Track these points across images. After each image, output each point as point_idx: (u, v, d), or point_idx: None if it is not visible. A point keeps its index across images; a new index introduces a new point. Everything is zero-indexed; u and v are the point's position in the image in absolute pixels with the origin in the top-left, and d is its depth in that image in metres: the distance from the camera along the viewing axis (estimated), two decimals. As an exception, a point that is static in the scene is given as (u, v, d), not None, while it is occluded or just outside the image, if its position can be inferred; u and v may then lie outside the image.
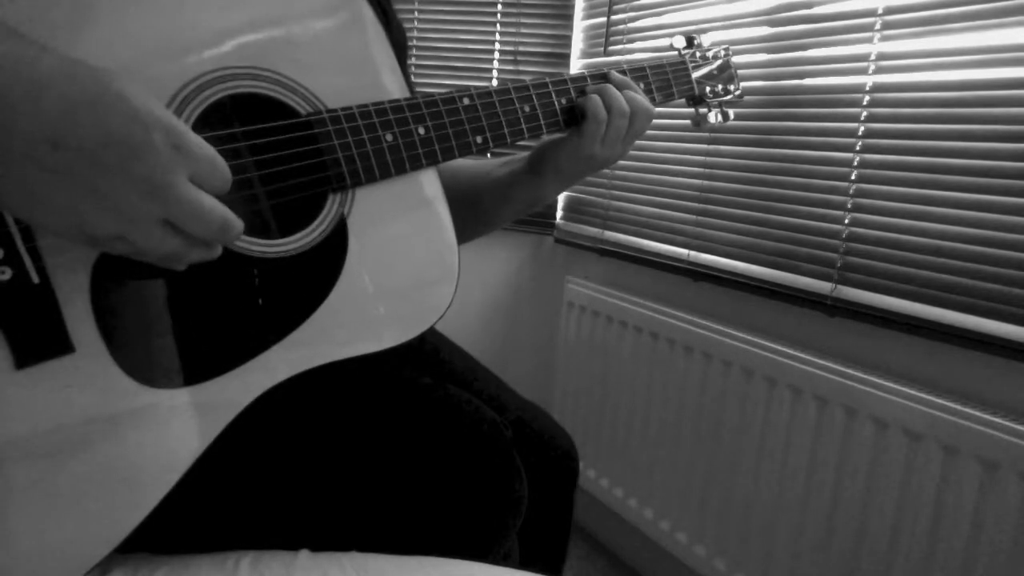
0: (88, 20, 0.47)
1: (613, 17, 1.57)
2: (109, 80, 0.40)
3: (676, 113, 1.43)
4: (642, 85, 0.80)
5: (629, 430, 1.49)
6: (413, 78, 1.32)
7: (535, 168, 0.79)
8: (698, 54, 0.90)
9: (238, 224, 0.46)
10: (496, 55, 1.73)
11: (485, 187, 0.83)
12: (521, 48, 1.72)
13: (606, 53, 1.59)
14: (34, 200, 0.39)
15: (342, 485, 0.62)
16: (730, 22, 1.31)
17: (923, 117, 1.03)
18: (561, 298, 1.67)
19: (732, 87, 0.94)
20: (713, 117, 0.92)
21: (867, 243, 1.08)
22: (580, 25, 1.69)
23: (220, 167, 0.44)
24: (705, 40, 0.92)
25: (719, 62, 0.92)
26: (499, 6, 1.71)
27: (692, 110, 0.94)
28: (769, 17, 1.24)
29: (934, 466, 0.96)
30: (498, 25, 1.72)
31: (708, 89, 0.91)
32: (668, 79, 0.85)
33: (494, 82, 1.75)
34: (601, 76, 0.76)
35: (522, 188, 0.81)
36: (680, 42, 0.89)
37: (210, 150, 0.44)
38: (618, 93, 0.73)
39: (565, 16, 1.69)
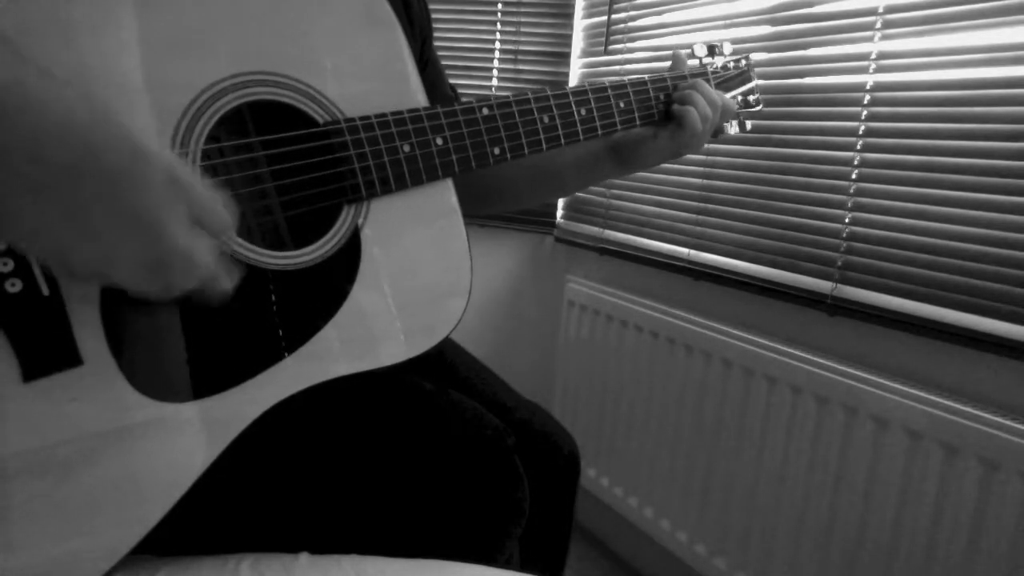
0: (107, 21, 0.46)
1: (613, 16, 1.57)
2: (109, 111, 0.38)
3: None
4: (662, 96, 0.80)
5: (629, 429, 1.49)
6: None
7: (621, 158, 0.83)
8: (719, 63, 0.88)
9: (227, 284, 0.44)
10: (496, 54, 1.73)
11: (567, 163, 0.86)
12: (521, 47, 1.72)
13: (606, 52, 1.59)
14: (14, 221, 0.37)
15: (343, 489, 0.62)
16: (730, 21, 1.31)
17: (924, 116, 1.03)
18: (561, 297, 1.67)
19: (752, 98, 0.92)
20: (731, 128, 0.90)
21: (868, 242, 1.08)
22: (580, 24, 1.68)
23: (219, 212, 0.42)
24: (727, 48, 0.90)
25: (740, 72, 0.90)
26: (499, 5, 1.71)
27: None
28: (770, 16, 1.24)
29: (934, 466, 0.96)
30: (498, 24, 1.72)
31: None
32: None
33: (494, 81, 1.75)
34: (621, 85, 0.77)
35: (604, 170, 0.86)
36: (702, 50, 0.88)
37: (210, 191, 0.42)
38: (703, 103, 0.78)
39: (565, 15, 1.69)
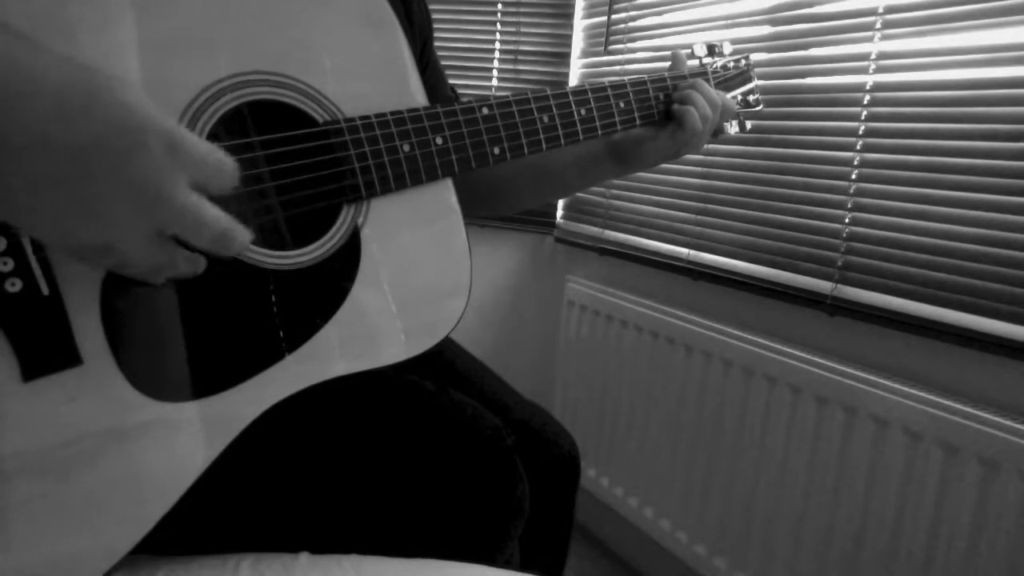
0: (106, 21, 0.46)
1: (613, 16, 1.57)
2: (106, 82, 0.38)
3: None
4: (662, 96, 0.80)
5: (629, 429, 1.49)
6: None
7: (621, 158, 0.83)
8: (719, 63, 0.87)
9: (243, 234, 0.43)
10: (496, 54, 1.73)
11: (567, 164, 0.86)
12: (521, 47, 1.72)
13: (606, 52, 1.59)
14: (20, 208, 0.38)
15: (343, 489, 0.62)
16: (731, 21, 1.31)
17: (923, 116, 1.03)
18: (561, 297, 1.67)
19: (752, 98, 0.91)
20: (731, 128, 0.89)
21: (868, 242, 1.08)
22: (580, 24, 1.69)
23: (224, 166, 0.42)
24: (726, 48, 0.89)
25: (740, 72, 0.90)
26: (499, 5, 1.71)
27: None
28: (770, 16, 1.24)
29: (934, 466, 0.96)
30: (498, 24, 1.72)
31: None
32: None
33: (494, 81, 1.75)
34: (621, 85, 0.76)
35: (605, 171, 0.86)
36: (701, 50, 0.87)
37: (212, 149, 0.42)
38: (703, 102, 0.78)
39: (565, 15, 1.69)
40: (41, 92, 0.36)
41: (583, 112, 0.73)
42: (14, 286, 0.43)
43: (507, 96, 0.67)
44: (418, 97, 0.62)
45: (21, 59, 0.36)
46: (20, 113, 0.36)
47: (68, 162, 0.37)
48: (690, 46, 0.88)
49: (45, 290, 0.44)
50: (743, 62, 0.90)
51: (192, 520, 0.53)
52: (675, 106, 0.79)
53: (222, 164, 0.42)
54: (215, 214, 0.42)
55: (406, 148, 0.60)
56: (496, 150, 0.66)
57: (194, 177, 0.41)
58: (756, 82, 0.92)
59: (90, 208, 0.38)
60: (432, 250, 0.62)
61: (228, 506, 0.58)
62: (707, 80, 0.84)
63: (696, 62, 0.87)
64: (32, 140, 0.36)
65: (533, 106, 0.69)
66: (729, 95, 0.87)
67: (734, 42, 0.95)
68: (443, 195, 0.63)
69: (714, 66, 0.87)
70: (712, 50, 0.88)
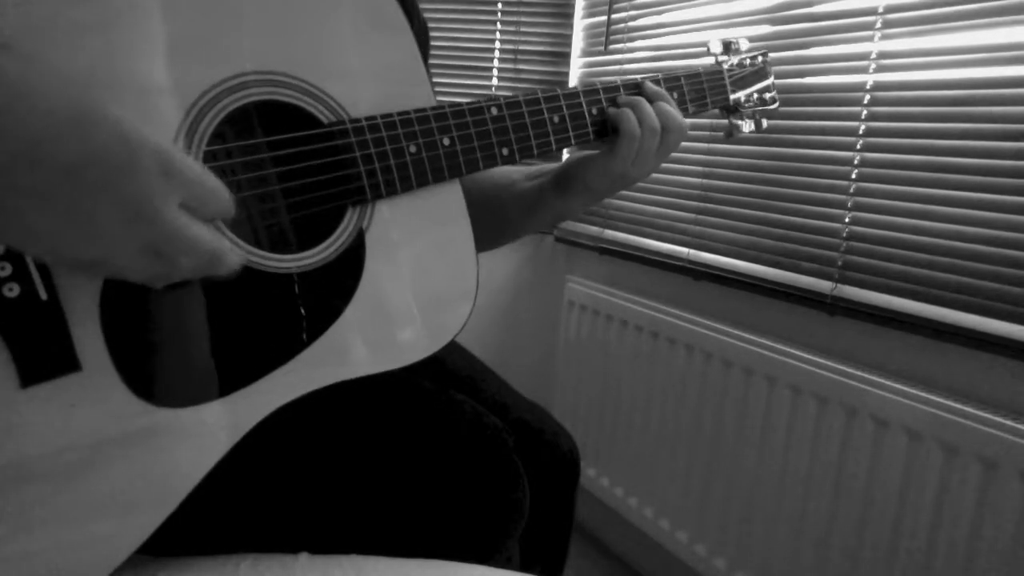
0: (111, 22, 0.46)
1: (613, 16, 1.57)
2: (97, 98, 0.38)
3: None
4: (675, 95, 0.76)
5: (629, 429, 1.49)
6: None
7: (562, 186, 0.76)
8: (735, 60, 0.85)
9: (233, 258, 0.43)
10: (496, 54, 1.73)
11: (509, 199, 0.80)
12: (521, 47, 1.72)
13: (606, 51, 1.59)
14: (10, 224, 0.37)
15: (343, 488, 0.62)
16: (730, 20, 1.31)
17: (924, 116, 1.03)
18: (561, 297, 1.67)
19: (768, 96, 0.89)
20: (747, 127, 0.87)
21: (868, 242, 1.08)
22: (580, 24, 1.68)
23: (217, 192, 0.42)
24: (743, 45, 0.86)
25: (756, 69, 0.87)
26: (499, 5, 1.71)
27: (725, 121, 0.89)
28: (770, 16, 1.24)
29: (934, 466, 0.96)
30: (498, 24, 1.72)
31: (743, 98, 0.86)
32: (703, 89, 0.80)
33: (494, 81, 1.75)
34: (635, 86, 0.73)
35: (548, 206, 0.78)
36: (717, 47, 0.84)
37: (205, 174, 0.42)
38: (651, 108, 0.70)
39: (565, 15, 1.69)
40: (31, 107, 0.36)
41: (594, 112, 0.72)
42: (12, 291, 0.43)
43: (516, 96, 0.66)
44: (426, 98, 0.61)
45: (11, 73, 0.36)
46: (10, 128, 0.35)
47: (59, 178, 0.37)
48: (705, 43, 0.86)
49: (43, 295, 0.44)
50: (760, 59, 0.88)
51: (192, 520, 0.53)
52: (608, 109, 0.72)
53: (217, 190, 0.42)
54: (205, 237, 0.41)
55: (412, 149, 0.59)
56: (505, 151, 0.65)
57: (187, 199, 0.41)
58: (773, 79, 0.91)
59: (82, 225, 0.38)
60: (438, 253, 0.61)
61: (228, 506, 0.58)
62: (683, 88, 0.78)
63: (712, 59, 0.86)
64: (22, 156, 0.36)
65: (543, 106, 0.68)
66: (744, 92, 0.85)
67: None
68: (450, 197, 0.63)
69: (729, 63, 0.85)
70: (728, 47, 0.86)
